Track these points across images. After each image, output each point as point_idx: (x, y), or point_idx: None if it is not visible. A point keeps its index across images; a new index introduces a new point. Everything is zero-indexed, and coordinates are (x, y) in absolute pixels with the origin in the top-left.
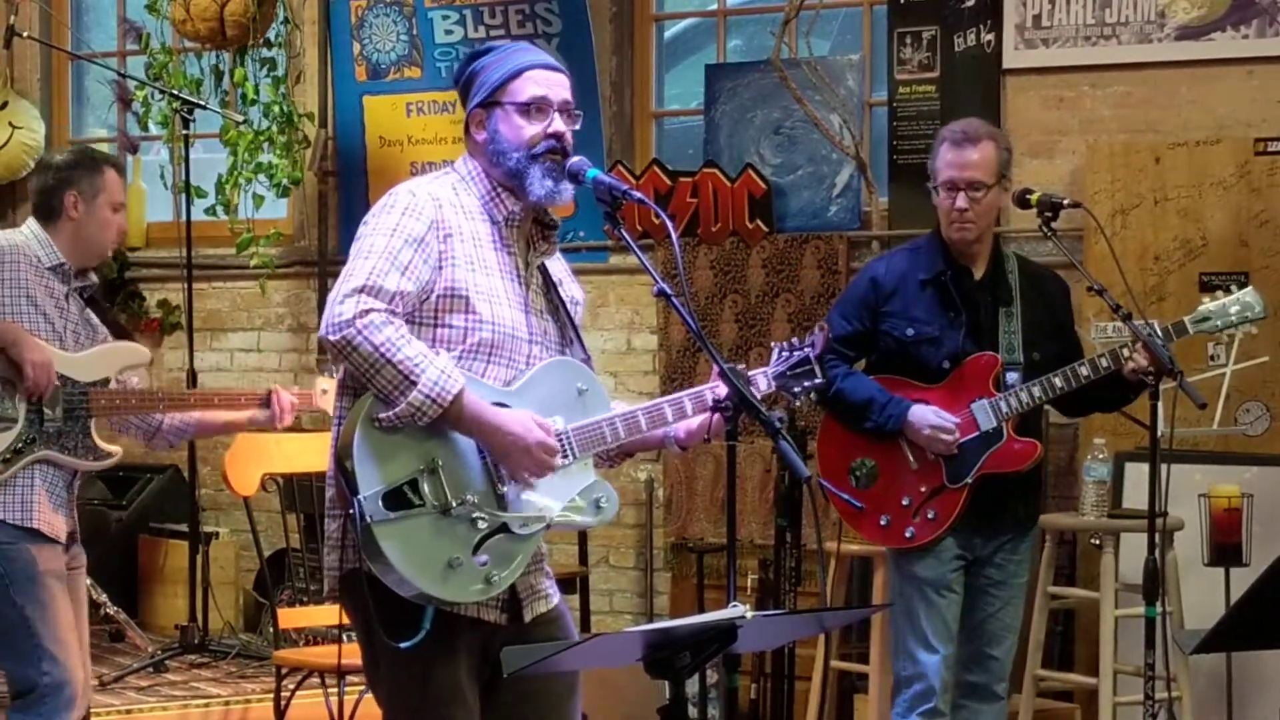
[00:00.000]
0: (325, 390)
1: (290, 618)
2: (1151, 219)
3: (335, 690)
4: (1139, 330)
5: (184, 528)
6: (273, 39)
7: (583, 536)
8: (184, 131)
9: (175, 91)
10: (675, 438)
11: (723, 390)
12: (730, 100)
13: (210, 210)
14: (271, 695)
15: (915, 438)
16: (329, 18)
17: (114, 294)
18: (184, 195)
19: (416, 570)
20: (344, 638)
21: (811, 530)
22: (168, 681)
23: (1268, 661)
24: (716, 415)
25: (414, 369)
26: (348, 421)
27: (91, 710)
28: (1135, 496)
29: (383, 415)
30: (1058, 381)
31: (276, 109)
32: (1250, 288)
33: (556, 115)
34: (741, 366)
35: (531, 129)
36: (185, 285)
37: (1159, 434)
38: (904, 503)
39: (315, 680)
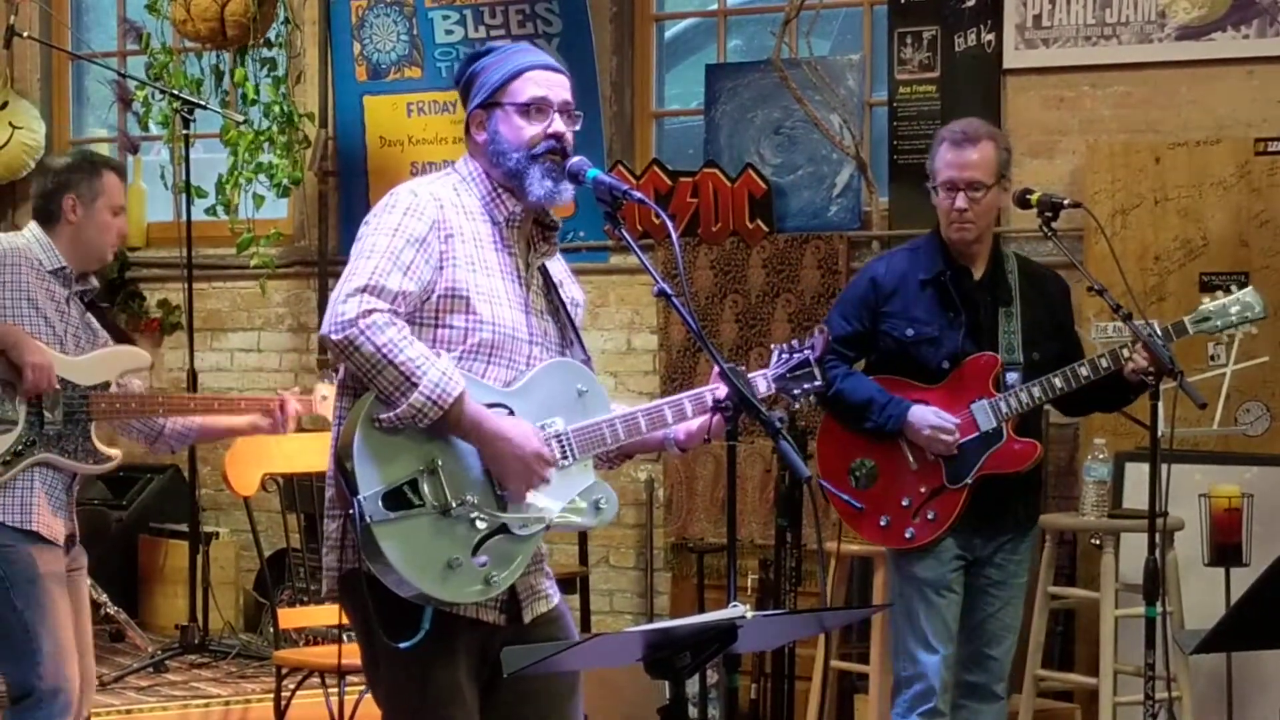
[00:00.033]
0: (325, 396)
1: (290, 618)
2: (1152, 219)
3: (335, 690)
4: (1139, 330)
5: (184, 528)
6: (273, 39)
7: (583, 536)
8: (184, 131)
9: (175, 91)
10: (675, 439)
11: (723, 391)
12: (730, 100)
13: (210, 210)
14: (272, 695)
15: (915, 438)
16: (329, 18)
17: (114, 294)
18: (184, 195)
19: (416, 571)
20: (344, 638)
21: (812, 530)
22: (168, 681)
23: (1268, 662)
24: (717, 416)
25: (416, 371)
26: (348, 422)
27: (91, 710)
28: (1135, 496)
29: (383, 416)
30: (1057, 382)
31: (277, 109)
32: (1250, 288)
33: (556, 116)
34: (741, 368)
35: (531, 129)
36: (185, 285)
37: (1159, 434)
38: (904, 503)
39: (315, 680)
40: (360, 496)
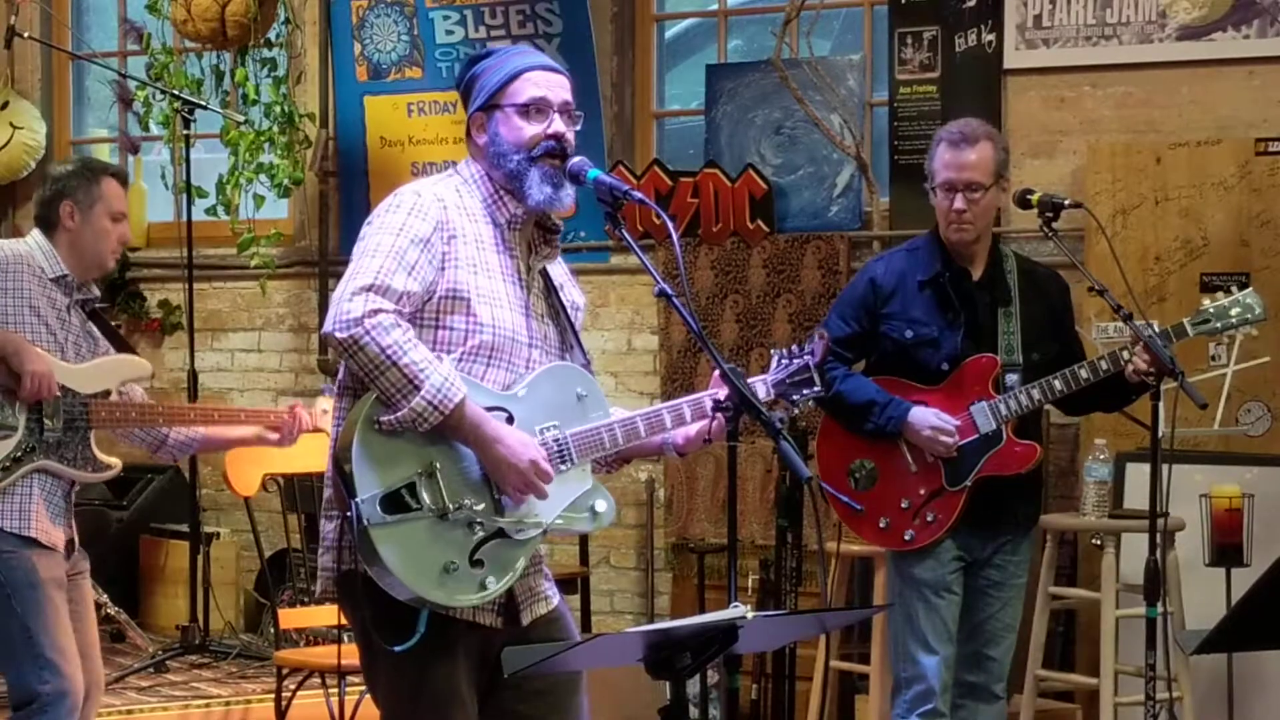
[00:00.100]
0: (326, 410)
1: (291, 618)
2: (1152, 219)
3: (336, 691)
4: (1140, 331)
5: (185, 528)
6: (274, 39)
7: (583, 537)
8: (185, 132)
9: (176, 92)
10: (673, 444)
11: (723, 393)
12: (731, 100)
13: (211, 210)
14: (272, 696)
15: (915, 439)
16: (330, 18)
17: (115, 294)
18: (185, 195)
19: (412, 574)
20: (344, 638)
21: (812, 530)
22: (168, 682)
23: (1269, 662)
24: (718, 419)
25: (419, 374)
26: (347, 423)
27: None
28: (1136, 497)
29: (384, 418)
30: (1057, 384)
31: (277, 109)
32: (1250, 289)
33: (556, 116)
34: (741, 369)
35: (531, 129)
36: (186, 285)
37: (1160, 434)
38: (903, 505)
39: (316, 680)
40: (358, 499)
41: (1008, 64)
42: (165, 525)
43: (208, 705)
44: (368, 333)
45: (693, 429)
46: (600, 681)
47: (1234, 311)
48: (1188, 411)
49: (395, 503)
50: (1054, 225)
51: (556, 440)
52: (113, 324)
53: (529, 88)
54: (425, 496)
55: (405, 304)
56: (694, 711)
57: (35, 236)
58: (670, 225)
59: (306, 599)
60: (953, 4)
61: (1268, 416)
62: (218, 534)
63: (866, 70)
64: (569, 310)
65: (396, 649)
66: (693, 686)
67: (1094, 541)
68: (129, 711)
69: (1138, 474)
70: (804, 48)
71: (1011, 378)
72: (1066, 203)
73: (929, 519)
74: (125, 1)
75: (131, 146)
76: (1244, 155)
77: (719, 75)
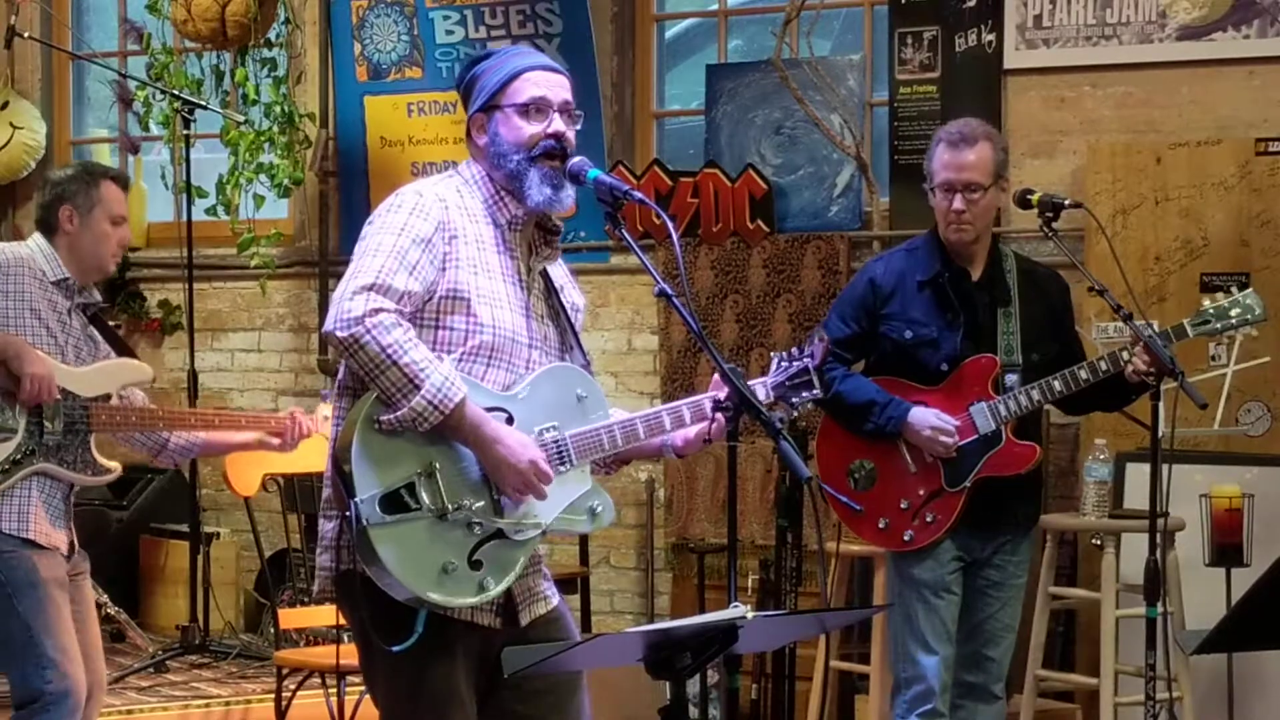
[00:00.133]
0: (326, 416)
1: (291, 618)
2: (1152, 219)
3: (336, 691)
4: (1140, 331)
5: (185, 528)
6: (274, 39)
7: (583, 537)
8: (185, 132)
9: (176, 92)
10: (672, 446)
11: (723, 394)
12: (731, 100)
13: (211, 210)
14: (272, 696)
15: (915, 439)
16: (330, 18)
17: (115, 294)
18: (185, 195)
19: (411, 574)
20: (343, 638)
21: (812, 530)
22: (168, 682)
23: (1269, 662)
24: (718, 421)
25: (419, 373)
26: (346, 423)
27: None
28: (1136, 497)
29: (384, 418)
30: (1057, 385)
31: (277, 109)
32: (1250, 289)
33: (556, 115)
34: (741, 369)
35: (531, 128)
36: (186, 285)
37: (1160, 434)
38: (902, 506)
39: (316, 680)
40: (357, 499)
41: (1008, 64)
42: (165, 525)
43: (208, 705)
44: (368, 331)
45: (692, 431)
46: (600, 681)
47: (1234, 312)
48: (1188, 411)
49: (394, 503)
50: (1054, 225)
51: (556, 441)
52: (113, 325)
53: (529, 87)
54: (424, 496)
55: (406, 303)
56: (694, 711)
57: (37, 240)
58: (670, 225)
59: (306, 599)
60: (953, 4)
61: (1268, 416)
62: (218, 534)
63: (866, 70)
64: (569, 311)
65: (395, 649)
66: (693, 686)
67: (1094, 541)
68: (129, 711)
69: (1138, 474)
70: (804, 48)
71: (1011, 378)
72: (1066, 203)
73: (928, 519)
74: (125, 1)
75: (131, 146)
76: (1244, 155)
77: (719, 75)
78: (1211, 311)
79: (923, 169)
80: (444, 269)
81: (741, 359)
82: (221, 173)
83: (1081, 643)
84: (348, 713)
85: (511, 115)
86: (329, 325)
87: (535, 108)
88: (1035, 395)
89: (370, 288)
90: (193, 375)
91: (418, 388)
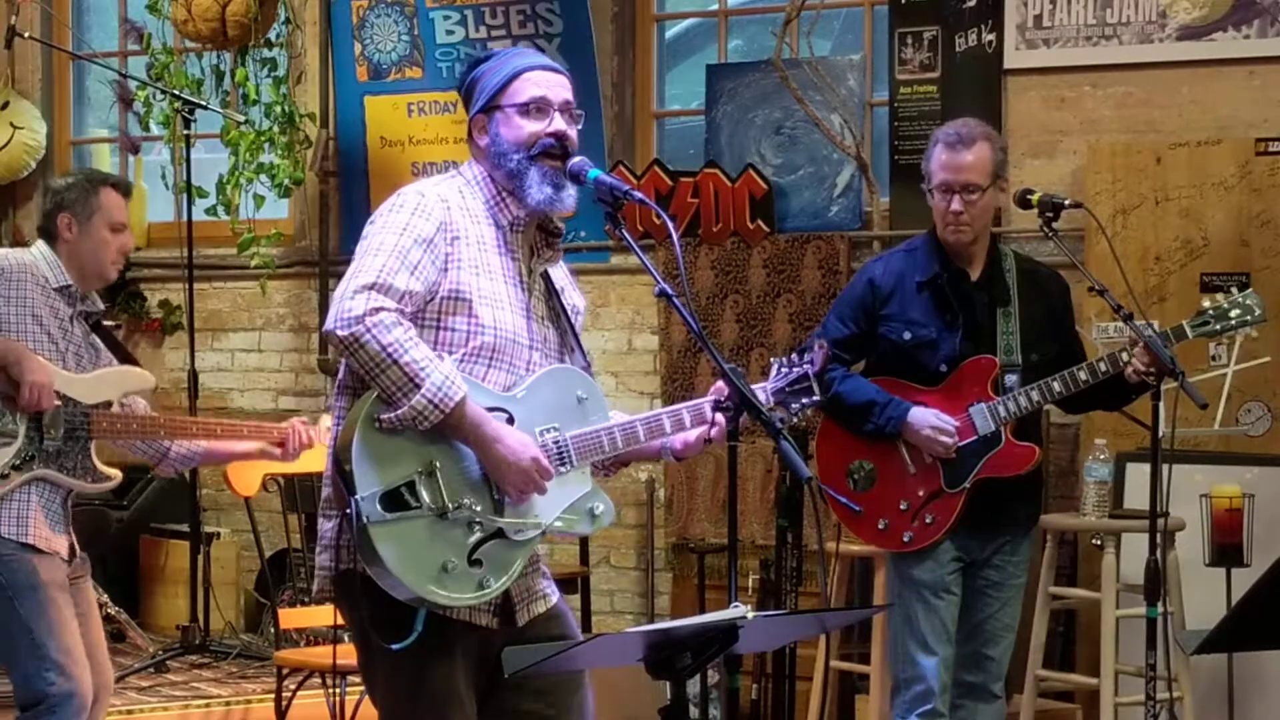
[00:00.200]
0: (329, 428)
1: (291, 618)
2: (1152, 219)
3: (336, 691)
4: (1140, 331)
5: (185, 528)
6: (274, 39)
7: (583, 537)
8: (185, 131)
9: (176, 92)
10: (671, 448)
11: (723, 395)
12: (731, 100)
13: (211, 210)
14: (272, 695)
15: (914, 439)
16: (330, 18)
17: (115, 294)
18: (185, 195)
19: (411, 573)
20: (342, 638)
21: (812, 530)
22: (169, 682)
23: (1269, 662)
24: (718, 425)
25: (420, 372)
26: (347, 422)
27: None
28: (1136, 497)
29: (384, 416)
30: (1056, 386)
31: (278, 109)
32: (1250, 290)
33: (557, 115)
34: (741, 370)
35: (531, 127)
36: (186, 285)
37: (1160, 434)
38: (901, 507)
39: (316, 680)
40: (358, 496)
41: (1008, 64)
42: (165, 525)
43: (208, 705)
44: (368, 330)
45: (692, 434)
46: (601, 681)
47: (1234, 313)
48: (1188, 411)
49: (395, 501)
50: (1054, 225)
51: (556, 442)
52: (113, 325)
53: (529, 87)
54: (425, 495)
55: (407, 303)
56: (694, 711)
57: (40, 247)
58: (670, 225)
59: (307, 599)
60: (953, 4)
61: (1268, 416)
62: (218, 534)
63: (867, 70)
64: (569, 313)
65: (394, 647)
66: (693, 686)
67: (1094, 541)
68: (129, 711)
69: (1138, 474)
70: (804, 48)
71: (1010, 378)
72: (1067, 203)
73: (927, 520)
74: (125, 1)
75: (132, 146)
76: (1244, 155)
77: (719, 75)
78: (1211, 313)
79: (921, 169)
80: (446, 270)
81: (742, 359)
82: (222, 173)
83: (1082, 643)
84: (348, 713)
85: (512, 115)
86: (329, 324)
87: (536, 107)
88: (1035, 396)
89: (371, 287)
90: (193, 375)
91: (418, 386)
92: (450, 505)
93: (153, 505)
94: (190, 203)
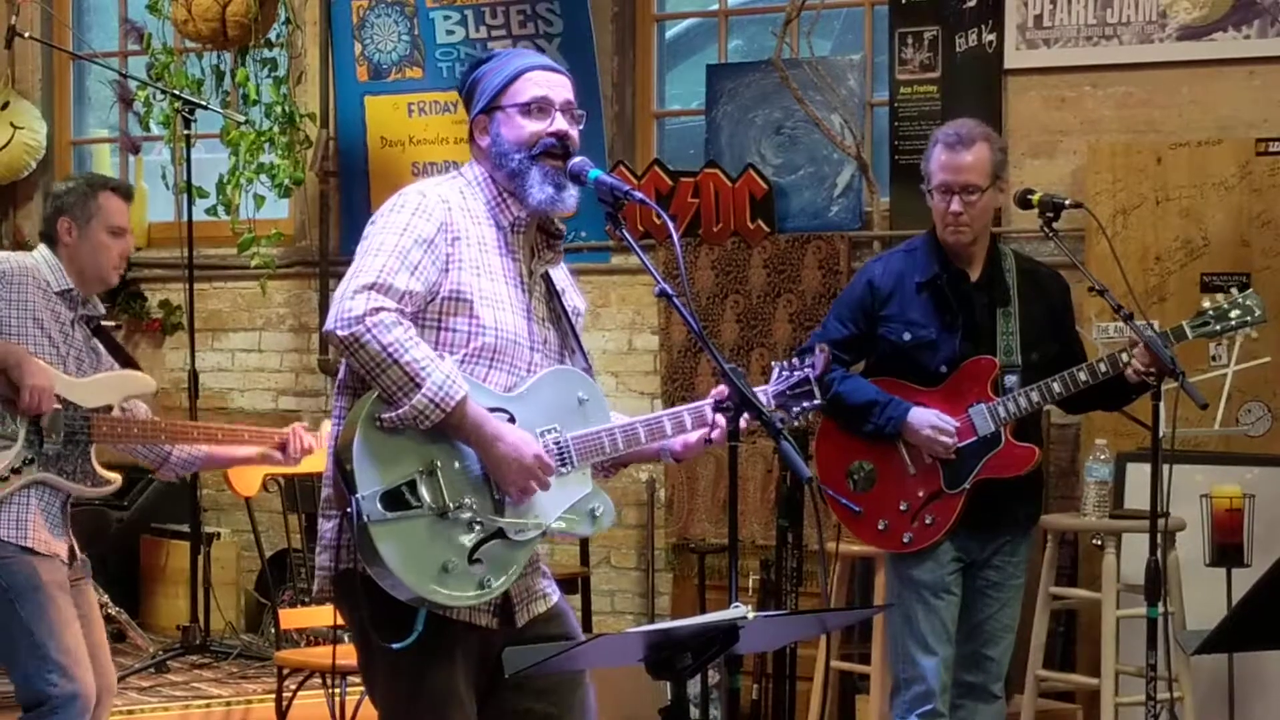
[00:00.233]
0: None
1: (292, 618)
2: (1153, 219)
3: (337, 691)
4: (1140, 331)
5: (185, 528)
6: (274, 39)
7: (584, 538)
8: (185, 132)
9: (177, 92)
10: (670, 450)
11: (724, 393)
12: (731, 100)
13: (211, 210)
14: (273, 696)
15: (914, 439)
16: (330, 18)
17: (115, 294)
18: (185, 195)
19: (411, 572)
20: (342, 638)
21: (813, 530)
22: (169, 682)
23: (1269, 662)
24: (719, 428)
25: (420, 372)
26: (347, 421)
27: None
28: (1137, 497)
29: (385, 416)
30: (1056, 387)
31: (278, 109)
32: (1250, 290)
33: (558, 114)
34: (742, 370)
35: (533, 126)
36: (187, 285)
37: (1161, 434)
38: (901, 507)
39: (317, 681)
40: (359, 495)
41: (1008, 64)
42: (166, 525)
43: (208, 705)
44: (369, 330)
45: (692, 437)
46: (601, 681)
47: (1233, 314)
48: (1188, 412)
49: (395, 500)
50: (1054, 225)
51: (557, 443)
52: (113, 325)
53: (530, 87)
54: (425, 494)
55: (407, 303)
56: (695, 712)
57: (42, 250)
58: (671, 225)
59: (307, 599)
60: (953, 4)
61: (1268, 417)
62: (218, 534)
63: (867, 70)
64: (570, 315)
65: (394, 646)
66: (693, 687)
67: (1094, 542)
68: (130, 712)
69: (1138, 474)
70: (804, 48)
71: (1010, 379)
72: (1067, 203)
73: (927, 521)
74: (126, 1)
75: (132, 146)
76: (1244, 155)
77: (719, 75)
78: (1211, 313)
79: (921, 170)
80: (447, 270)
81: (742, 359)
82: (222, 173)
83: (1082, 643)
84: (348, 713)
85: (513, 115)
86: (330, 324)
87: (537, 107)
88: (1034, 397)
89: (371, 287)
90: (193, 375)
91: (419, 386)
92: (451, 505)
93: (153, 505)
94: (190, 203)
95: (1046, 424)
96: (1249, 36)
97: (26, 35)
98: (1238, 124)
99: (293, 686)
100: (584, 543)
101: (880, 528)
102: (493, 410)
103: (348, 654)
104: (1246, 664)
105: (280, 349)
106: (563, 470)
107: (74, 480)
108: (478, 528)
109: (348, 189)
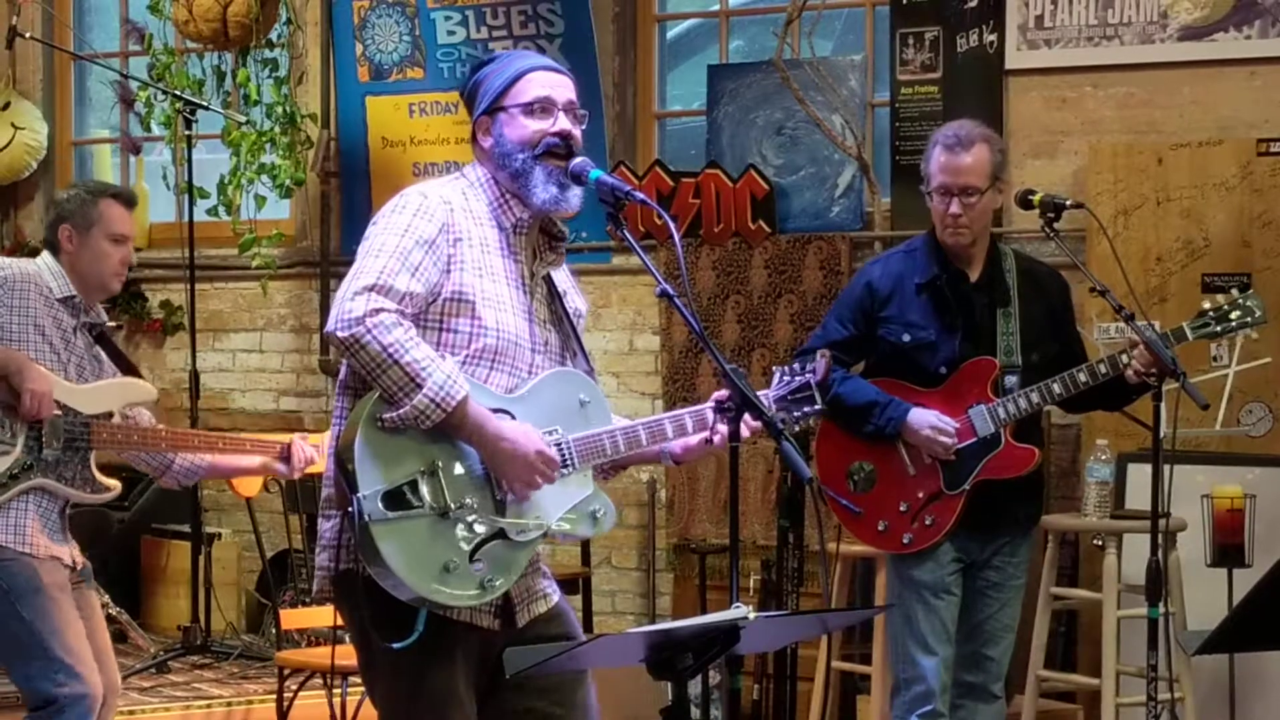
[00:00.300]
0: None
1: (292, 618)
2: (1154, 220)
3: (338, 691)
4: (1141, 331)
5: (186, 529)
6: (275, 39)
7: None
8: (186, 132)
9: (178, 92)
10: (670, 453)
11: (724, 394)
12: (732, 101)
13: (212, 211)
14: (274, 696)
15: (914, 439)
16: (331, 18)
17: (116, 295)
18: (186, 196)
19: (412, 572)
20: (342, 638)
21: (814, 531)
22: (170, 682)
23: (1270, 663)
24: (719, 435)
25: (420, 372)
26: (349, 422)
27: None
28: (1138, 497)
29: (386, 415)
30: (1056, 388)
31: (279, 110)
32: (1251, 291)
33: (561, 114)
34: (743, 370)
35: (536, 126)
36: (188, 286)
37: (1162, 435)
38: (901, 508)
39: (318, 681)
40: (360, 494)
41: (1009, 64)
42: (167, 526)
43: (209, 706)
44: (369, 331)
45: (693, 440)
46: (602, 682)
47: (1234, 315)
48: (1189, 412)
49: (397, 499)
50: (1055, 226)
51: (558, 444)
52: (115, 325)
53: (533, 88)
54: (426, 494)
55: (408, 304)
56: (696, 712)
57: (45, 257)
58: (672, 226)
59: (308, 599)
60: (954, 4)
61: (1269, 417)
62: (219, 534)
63: (868, 70)
64: (572, 317)
65: (395, 646)
66: (694, 687)
67: (1095, 542)
68: (131, 712)
69: (1139, 474)
70: (805, 48)
71: (1010, 379)
72: (1068, 203)
73: (927, 522)
74: (127, 2)
75: (133, 147)
76: (1245, 156)
77: (720, 76)
78: (1211, 314)
79: (920, 171)
80: (448, 271)
81: (743, 359)
82: (223, 173)
83: (1083, 643)
84: (349, 713)
85: (516, 115)
86: (330, 325)
87: (540, 107)
88: (1034, 398)
89: (371, 288)
90: (194, 376)
91: (420, 386)
92: (452, 505)
93: (154, 506)
94: (192, 203)
95: (1047, 424)
96: (1250, 37)
97: (28, 35)
98: (1239, 124)
99: (293, 687)
100: (585, 543)
101: (880, 528)
102: (494, 411)
103: (348, 654)
104: (1247, 664)
105: (281, 349)
106: (564, 471)
107: (73, 486)
108: (479, 528)
109: (349, 189)
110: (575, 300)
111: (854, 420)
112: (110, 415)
